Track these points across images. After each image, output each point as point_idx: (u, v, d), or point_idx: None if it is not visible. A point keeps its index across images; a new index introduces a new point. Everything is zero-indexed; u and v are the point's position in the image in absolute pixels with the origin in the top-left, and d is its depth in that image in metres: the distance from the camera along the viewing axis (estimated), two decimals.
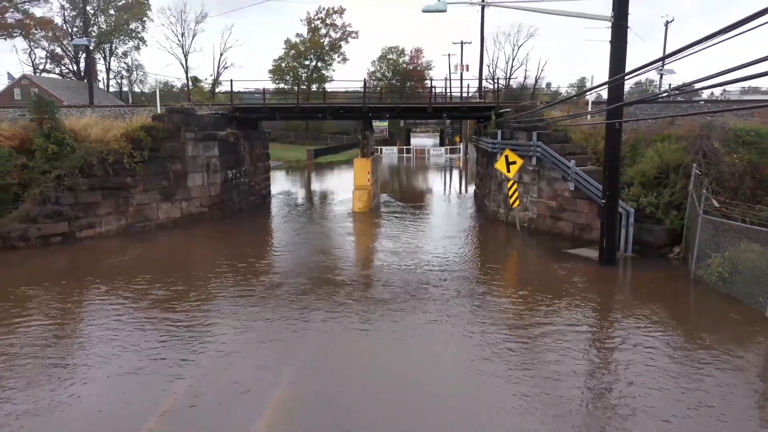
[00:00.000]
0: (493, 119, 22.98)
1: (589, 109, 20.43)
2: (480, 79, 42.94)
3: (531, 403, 7.87)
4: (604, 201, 15.13)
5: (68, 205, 18.08)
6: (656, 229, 15.95)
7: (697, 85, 10.76)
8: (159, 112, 23.19)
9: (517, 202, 20.27)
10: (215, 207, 22.95)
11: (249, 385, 8.44)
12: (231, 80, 26.76)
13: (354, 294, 13.14)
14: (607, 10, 14.41)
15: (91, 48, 44.30)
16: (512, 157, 19.70)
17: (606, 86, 14.37)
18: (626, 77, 13.93)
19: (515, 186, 20.20)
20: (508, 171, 19.72)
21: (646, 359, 9.23)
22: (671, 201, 16.04)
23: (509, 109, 22.68)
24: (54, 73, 73.84)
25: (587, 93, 20.91)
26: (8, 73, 52.65)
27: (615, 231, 15.24)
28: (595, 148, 19.05)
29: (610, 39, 14.12)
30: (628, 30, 14.10)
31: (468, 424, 7.39)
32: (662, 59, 11.61)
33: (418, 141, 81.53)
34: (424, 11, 15.06)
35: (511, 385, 8.43)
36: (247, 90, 38.61)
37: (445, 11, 14.79)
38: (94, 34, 63.10)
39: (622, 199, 16.16)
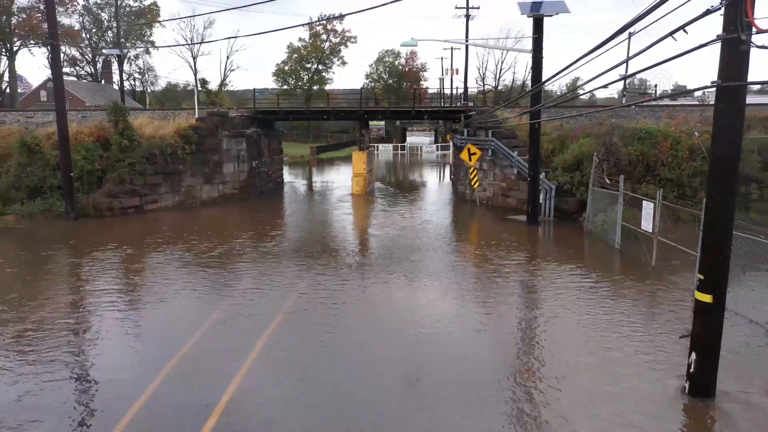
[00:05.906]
0: (462, 120, 29.10)
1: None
2: (465, 88, 49.30)
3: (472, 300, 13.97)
4: (528, 179, 21.24)
5: (139, 185, 24.16)
6: (570, 200, 22.09)
7: (591, 86, 16.77)
8: (197, 114, 29.31)
9: (477, 184, 26.37)
10: (243, 189, 29.03)
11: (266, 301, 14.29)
12: (254, 89, 32.94)
13: (351, 248, 19.20)
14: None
15: (121, 57, 50.06)
16: (473, 149, 25.77)
17: (530, 93, 20.45)
18: (542, 85, 20.03)
19: (475, 172, 26.30)
20: (470, 160, 25.80)
21: (551, 274, 15.18)
22: (582, 180, 22.14)
23: (474, 112, 28.80)
24: (72, 75, 79.85)
25: (516, 100, 26.98)
26: (19, 75, 57.84)
27: (537, 200, 21.36)
28: None
29: (531, 65, 20.23)
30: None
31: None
32: (558, 73, 17.62)
33: (414, 139, 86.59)
34: (402, 45, 21.28)
35: (452, 287, 14.52)
36: (253, 92, 44.26)
37: (416, 45, 20.96)
38: (110, 38, 69.11)
39: (547, 178, 22.30)
